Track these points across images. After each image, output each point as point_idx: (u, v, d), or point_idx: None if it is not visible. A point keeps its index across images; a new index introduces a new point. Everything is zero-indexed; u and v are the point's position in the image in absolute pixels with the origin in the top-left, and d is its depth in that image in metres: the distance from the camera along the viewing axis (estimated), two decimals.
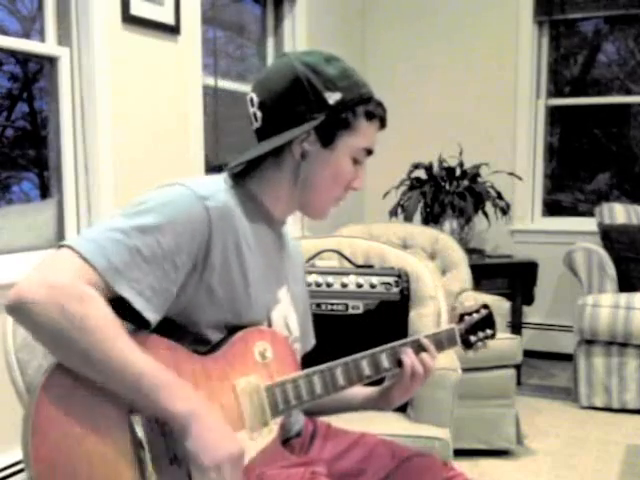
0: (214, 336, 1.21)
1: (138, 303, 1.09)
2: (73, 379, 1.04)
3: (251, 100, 1.29)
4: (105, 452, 1.05)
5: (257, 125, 1.29)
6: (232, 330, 1.23)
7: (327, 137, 1.26)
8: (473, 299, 1.60)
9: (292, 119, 1.25)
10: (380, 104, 1.31)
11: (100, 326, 1.03)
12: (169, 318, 1.17)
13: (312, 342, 1.53)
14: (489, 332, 1.55)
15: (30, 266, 1.07)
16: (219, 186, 1.24)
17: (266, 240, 1.31)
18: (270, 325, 1.30)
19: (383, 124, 1.32)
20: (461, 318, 1.52)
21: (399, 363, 1.36)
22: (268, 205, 1.31)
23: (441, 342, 1.45)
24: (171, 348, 1.15)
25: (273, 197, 1.31)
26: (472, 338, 1.51)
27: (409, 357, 1.36)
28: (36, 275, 1.04)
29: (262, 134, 1.29)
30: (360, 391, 1.43)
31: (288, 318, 1.35)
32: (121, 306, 1.09)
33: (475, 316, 1.54)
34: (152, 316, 1.11)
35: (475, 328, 1.52)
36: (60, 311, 1.01)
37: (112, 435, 1.06)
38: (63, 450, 1.02)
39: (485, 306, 1.57)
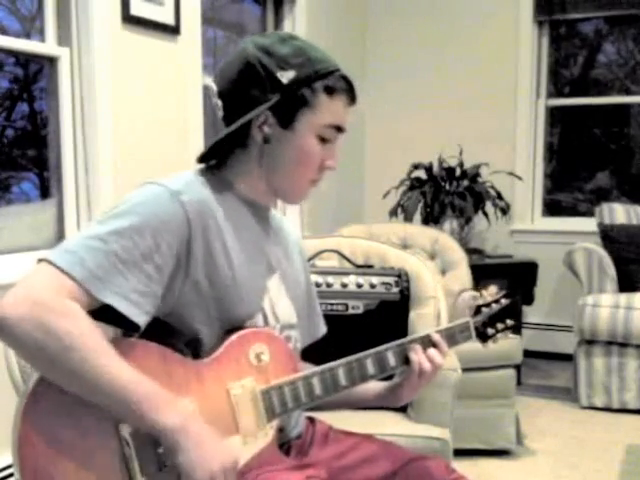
0: (208, 335, 1.20)
1: (123, 308, 1.07)
2: (59, 389, 1.03)
3: (212, 91, 1.28)
4: (93, 462, 1.04)
5: (221, 114, 1.27)
6: (227, 330, 1.21)
7: (286, 117, 1.22)
8: (496, 289, 1.53)
9: (248, 103, 1.22)
10: (343, 77, 1.24)
11: (82, 341, 1.02)
12: (161, 320, 1.16)
13: (323, 329, 1.51)
14: (509, 323, 1.48)
15: (28, 268, 1.07)
16: (193, 179, 1.22)
17: (249, 229, 1.29)
18: (265, 315, 1.28)
19: (352, 99, 1.26)
20: (478, 310, 1.46)
21: (406, 360, 1.33)
22: (247, 192, 1.29)
23: (454, 336, 1.40)
24: (162, 354, 1.13)
25: (248, 184, 1.28)
26: (490, 331, 1.45)
27: (417, 354, 1.33)
28: (16, 292, 1.02)
29: (226, 123, 1.26)
30: (370, 387, 1.40)
31: (276, 305, 1.31)
32: (109, 312, 1.08)
33: (494, 307, 1.47)
34: (140, 319, 1.09)
35: (494, 319, 1.46)
36: (41, 328, 1.00)
37: (100, 444, 1.05)
38: (51, 461, 1.02)
39: (507, 295, 1.50)
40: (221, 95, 1.26)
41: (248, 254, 1.26)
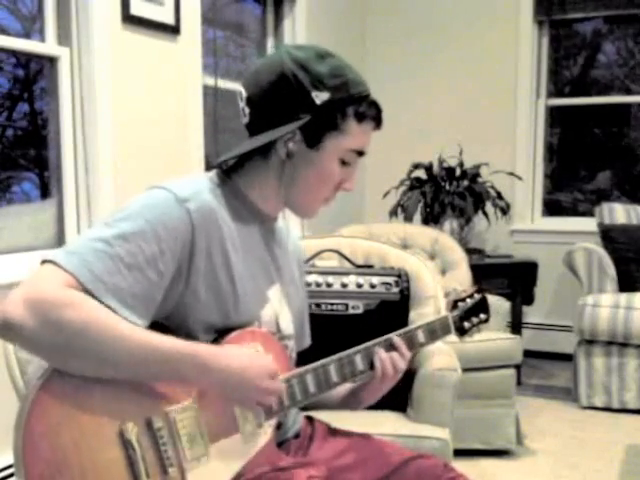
0: (203, 338, 1.20)
1: (123, 312, 1.07)
2: (63, 392, 1.03)
3: (240, 94, 1.27)
4: (98, 464, 1.04)
5: (245, 120, 1.27)
6: (223, 332, 1.22)
7: (313, 138, 1.22)
8: (468, 285, 1.58)
9: (278, 117, 1.22)
10: (373, 103, 1.25)
11: (99, 322, 1.02)
12: (159, 322, 1.17)
13: (308, 342, 1.52)
14: (483, 317, 1.52)
15: (30, 267, 1.07)
16: (202, 186, 1.22)
17: (254, 238, 1.29)
18: (260, 325, 1.28)
19: (378, 124, 1.27)
20: (454, 305, 1.49)
21: (371, 365, 1.34)
22: (256, 202, 1.29)
23: (435, 331, 1.43)
24: None
25: (260, 194, 1.28)
26: (466, 325, 1.49)
27: (380, 359, 1.33)
28: (20, 293, 1.02)
29: (250, 130, 1.27)
30: (336, 389, 1.40)
31: (279, 316, 1.32)
32: None
33: (469, 302, 1.51)
34: (139, 323, 1.10)
35: (469, 314, 1.50)
36: (54, 323, 1.00)
37: (104, 447, 1.05)
38: (55, 464, 1.01)
39: (479, 290, 1.55)
40: (250, 102, 1.25)
41: (250, 265, 1.26)
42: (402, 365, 1.35)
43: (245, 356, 1.15)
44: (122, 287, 1.08)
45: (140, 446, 1.07)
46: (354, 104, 1.22)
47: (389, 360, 1.34)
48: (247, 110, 1.26)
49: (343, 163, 1.26)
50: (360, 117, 1.23)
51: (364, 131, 1.25)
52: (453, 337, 1.49)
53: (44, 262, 1.07)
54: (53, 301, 1.01)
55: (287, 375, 1.24)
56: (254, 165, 1.27)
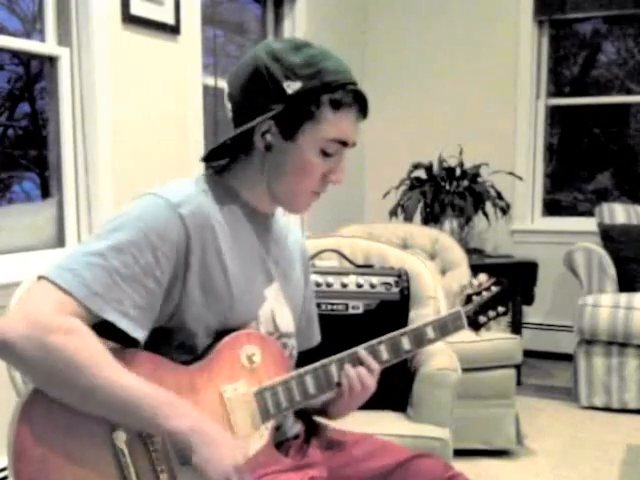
0: (202, 341, 1.19)
1: (124, 324, 1.07)
2: (50, 402, 1.03)
3: (225, 92, 1.27)
4: (88, 470, 1.04)
5: (229, 116, 1.27)
6: (220, 334, 1.21)
7: (289, 129, 1.20)
8: (486, 277, 1.52)
9: (253, 110, 1.20)
10: (352, 91, 1.20)
11: (86, 357, 1.02)
12: (161, 326, 1.16)
13: (317, 338, 1.50)
14: (500, 310, 1.47)
15: (27, 268, 1.07)
16: (194, 188, 1.21)
17: (248, 237, 1.28)
18: (258, 324, 1.27)
19: (362, 113, 1.22)
20: (469, 299, 1.45)
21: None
22: (248, 200, 1.27)
23: (446, 326, 1.39)
24: (154, 362, 1.13)
25: (251, 192, 1.27)
26: (481, 319, 1.44)
27: (347, 375, 1.28)
28: (16, 313, 1.02)
29: (234, 126, 1.26)
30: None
31: (276, 314, 1.31)
32: (108, 327, 1.08)
33: (485, 295, 1.46)
34: (139, 334, 1.10)
35: (485, 307, 1.45)
36: (44, 347, 1.00)
37: (95, 453, 1.05)
38: (46, 471, 1.02)
39: (497, 282, 1.49)
40: (230, 98, 1.25)
41: (245, 265, 1.25)
42: (370, 381, 1.30)
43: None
44: (120, 299, 1.07)
45: (131, 452, 1.07)
46: (329, 92, 1.18)
47: (356, 376, 1.29)
48: (229, 106, 1.26)
49: (325, 154, 1.22)
50: (335, 105, 1.19)
51: (342, 119, 1.20)
52: (468, 332, 1.45)
53: (39, 278, 1.07)
54: (51, 325, 1.01)
55: (286, 377, 1.24)
56: (240, 162, 1.27)
